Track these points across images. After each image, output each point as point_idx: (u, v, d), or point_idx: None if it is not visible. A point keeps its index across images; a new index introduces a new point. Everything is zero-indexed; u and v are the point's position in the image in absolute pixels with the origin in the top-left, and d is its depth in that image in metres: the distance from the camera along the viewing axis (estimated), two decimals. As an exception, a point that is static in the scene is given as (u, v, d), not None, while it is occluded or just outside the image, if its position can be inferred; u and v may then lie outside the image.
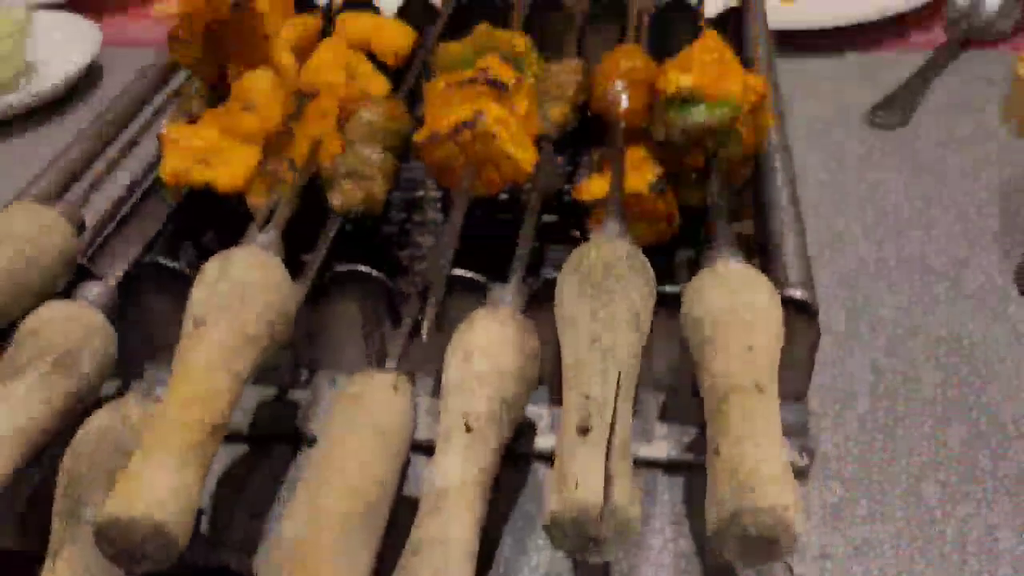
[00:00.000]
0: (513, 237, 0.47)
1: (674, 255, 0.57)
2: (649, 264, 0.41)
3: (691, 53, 0.57)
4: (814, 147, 0.68)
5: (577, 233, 0.54)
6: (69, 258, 0.44)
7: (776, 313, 0.39)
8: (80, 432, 0.37)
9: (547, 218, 0.55)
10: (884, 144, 0.68)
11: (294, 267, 0.43)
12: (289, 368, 0.48)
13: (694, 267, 0.57)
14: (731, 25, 0.69)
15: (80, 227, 0.47)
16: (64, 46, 0.78)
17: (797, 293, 0.41)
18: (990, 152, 0.66)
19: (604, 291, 0.38)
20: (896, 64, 0.78)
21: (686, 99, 0.52)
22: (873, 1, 0.82)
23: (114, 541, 0.30)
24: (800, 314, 0.41)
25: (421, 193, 0.62)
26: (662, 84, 0.54)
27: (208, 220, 0.58)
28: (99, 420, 0.37)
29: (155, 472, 0.31)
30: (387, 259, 0.57)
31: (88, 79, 0.78)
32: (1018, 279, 0.56)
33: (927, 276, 0.56)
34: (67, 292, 0.43)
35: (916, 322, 0.53)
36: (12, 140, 0.73)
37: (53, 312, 0.40)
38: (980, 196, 0.62)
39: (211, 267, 0.39)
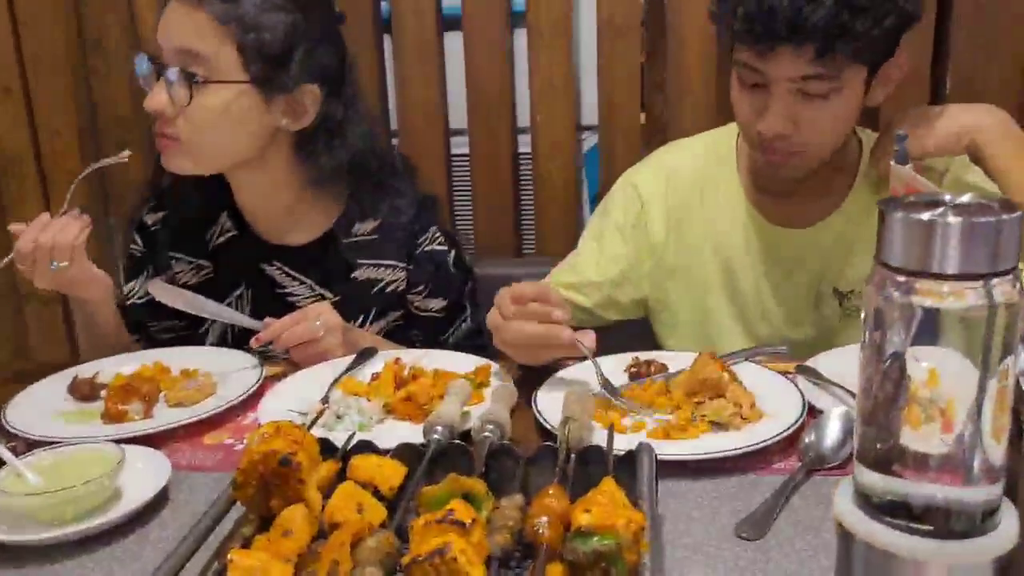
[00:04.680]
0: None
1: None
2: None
3: (592, 496, 0.84)
4: (694, 556, 0.93)
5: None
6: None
7: None
8: None
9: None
10: (748, 553, 0.92)
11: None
12: None
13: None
14: (630, 463, 0.96)
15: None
16: (142, 474, 1.05)
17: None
18: (826, 568, 0.90)
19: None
20: (762, 485, 1.05)
21: (585, 533, 0.77)
22: (743, 436, 1.12)
23: None
24: None
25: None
26: (572, 519, 0.80)
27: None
28: None
29: None
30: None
31: (160, 500, 1.03)
32: None
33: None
34: None
35: None
36: (101, 549, 0.96)
37: None
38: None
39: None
